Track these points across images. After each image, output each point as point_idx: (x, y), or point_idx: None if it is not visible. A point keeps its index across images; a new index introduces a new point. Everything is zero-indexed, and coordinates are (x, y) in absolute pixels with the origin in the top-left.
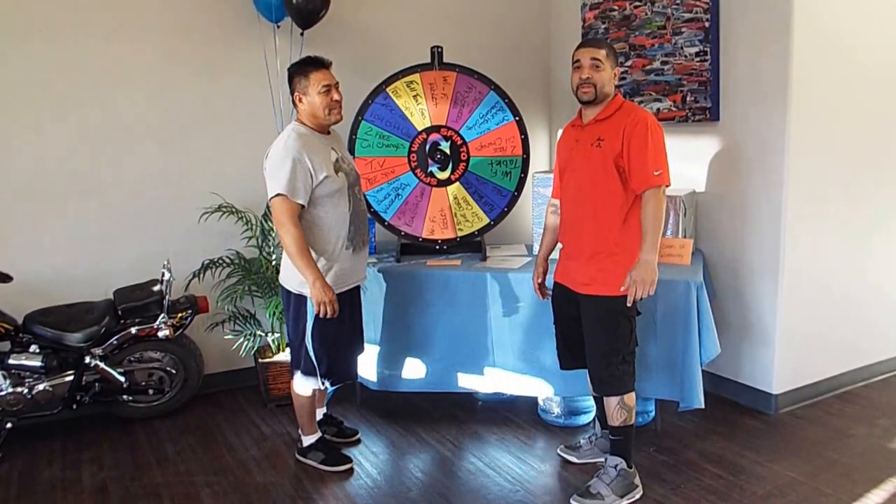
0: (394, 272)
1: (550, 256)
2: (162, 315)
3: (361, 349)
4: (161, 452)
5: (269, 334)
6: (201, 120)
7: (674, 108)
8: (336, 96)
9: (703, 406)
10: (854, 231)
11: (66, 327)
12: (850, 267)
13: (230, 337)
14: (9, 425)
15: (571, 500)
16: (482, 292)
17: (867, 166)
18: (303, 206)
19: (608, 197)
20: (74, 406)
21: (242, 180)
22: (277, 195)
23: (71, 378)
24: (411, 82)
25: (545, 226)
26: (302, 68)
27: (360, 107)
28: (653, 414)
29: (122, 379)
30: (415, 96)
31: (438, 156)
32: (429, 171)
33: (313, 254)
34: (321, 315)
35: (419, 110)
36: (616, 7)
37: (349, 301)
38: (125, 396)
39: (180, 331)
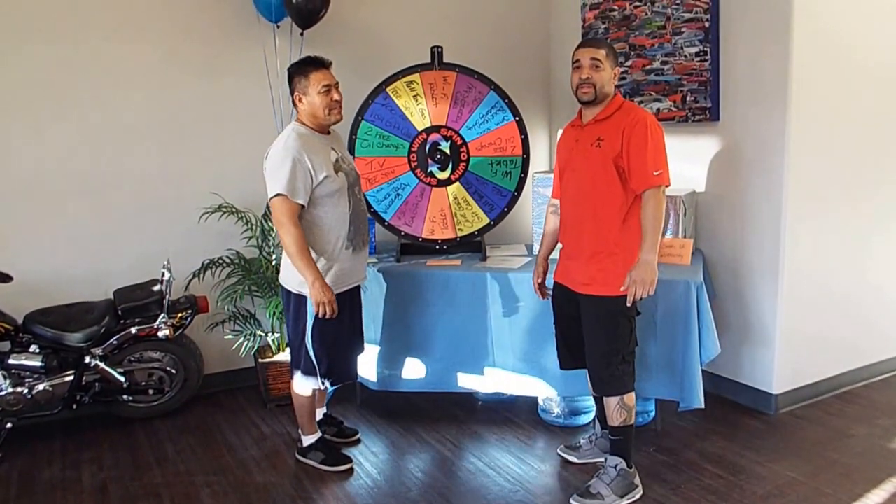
0: (394, 272)
1: (551, 256)
2: (162, 315)
3: (361, 349)
4: (161, 452)
5: (269, 334)
6: (201, 120)
7: (674, 108)
8: (336, 96)
9: (703, 406)
10: (854, 231)
11: (66, 327)
12: (850, 267)
13: (230, 337)
14: (9, 425)
15: (571, 500)
16: (482, 292)
17: (867, 166)
18: (303, 206)
19: (608, 197)
20: (74, 406)
21: (242, 180)
22: (277, 195)
23: (71, 378)
24: (411, 82)
25: (545, 226)
26: (302, 68)
27: (360, 107)
28: (653, 414)
29: (122, 379)
30: (415, 96)
31: (438, 156)
32: (429, 171)
33: (313, 254)
34: (320, 315)
35: (419, 110)
36: (616, 7)
37: (349, 301)
38: (125, 396)
39: (180, 331)
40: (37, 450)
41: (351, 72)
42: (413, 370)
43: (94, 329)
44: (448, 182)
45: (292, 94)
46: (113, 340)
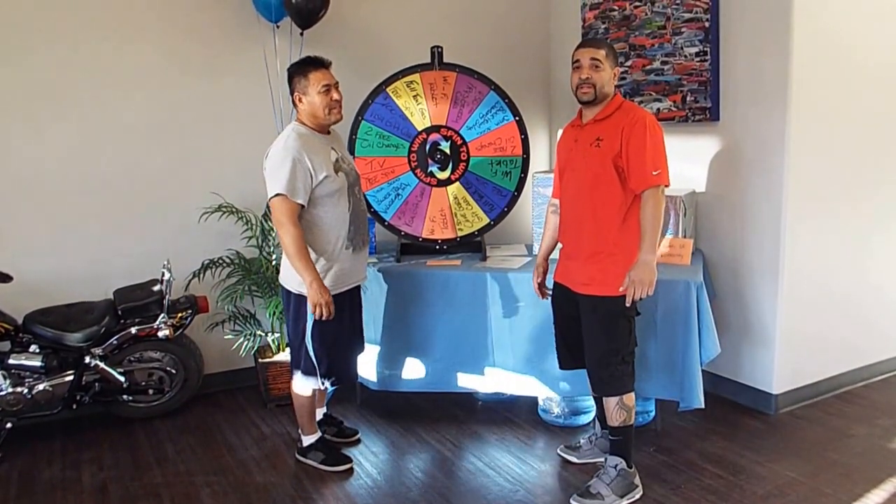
0: (394, 272)
1: (551, 256)
2: (162, 315)
3: (361, 349)
4: (161, 452)
5: (269, 334)
6: (201, 120)
7: (674, 108)
8: (336, 96)
9: (703, 406)
10: (854, 231)
11: (66, 327)
12: (850, 267)
13: (230, 337)
14: (9, 425)
15: (571, 500)
16: (482, 292)
17: (867, 166)
18: (302, 206)
19: (607, 197)
20: (74, 406)
21: (242, 180)
22: (277, 195)
23: (71, 378)
24: (411, 82)
25: (545, 225)
26: (301, 68)
27: (360, 107)
28: (653, 414)
29: (122, 379)
30: (415, 96)
31: (438, 156)
32: (429, 170)
33: (313, 254)
34: (317, 317)
35: (419, 110)
36: (616, 7)
37: (349, 301)
38: (125, 396)
39: (180, 331)
40: (37, 450)
41: (351, 72)
42: (413, 370)
43: (94, 329)
44: (448, 182)
45: (292, 94)
46: (113, 340)
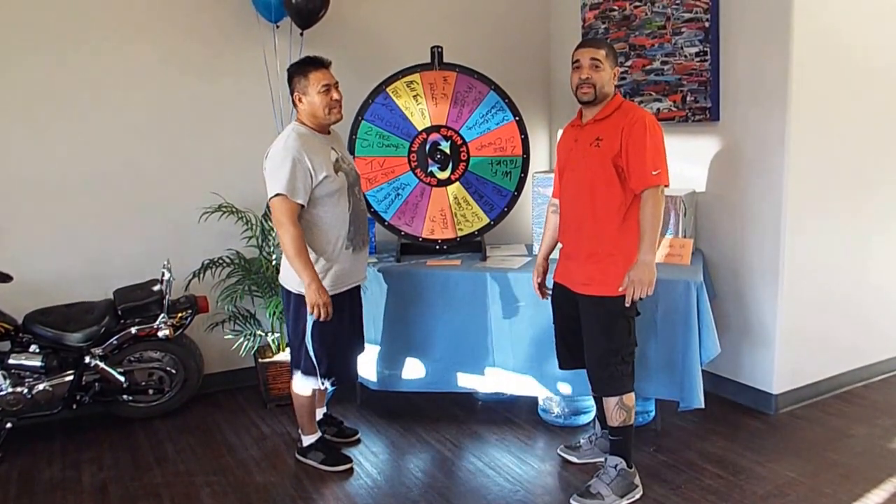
0: (394, 272)
1: (551, 256)
2: (162, 315)
3: (362, 349)
4: (161, 452)
5: (269, 334)
6: (201, 120)
7: (674, 108)
8: (336, 95)
9: (703, 406)
10: (854, 231)
11: (66, 327)
12: (850, 267)
13: (230, 337)
14: (9, 425)
15: (571, 500)
16: (482, 292)
17: (867, 166)
18: (302, 206)
19: (607, 197)
20: (74, 406)
21: (242, 180)
22: (277, 195)
23: (71, 378)
24: (411, 82)
25: (545, 225)
26: (301, 68)
27: (360, 107)
28: (653, 414)
29: (122, 379)
30: (415, 96)
31: (438, 156)
32: (429, 170)
33: (313, 254)
34: (316, 317)
35: (419, 110)
36: (616, 7)
37: (349, 301)
38: (125, 396)
39: (180, 331)
40: (37, 450)
41: (351, 72)
42: (413, 370)
43: (94, 329)
44: (448, 182)
45: (292, 94)
46: (113, 340)
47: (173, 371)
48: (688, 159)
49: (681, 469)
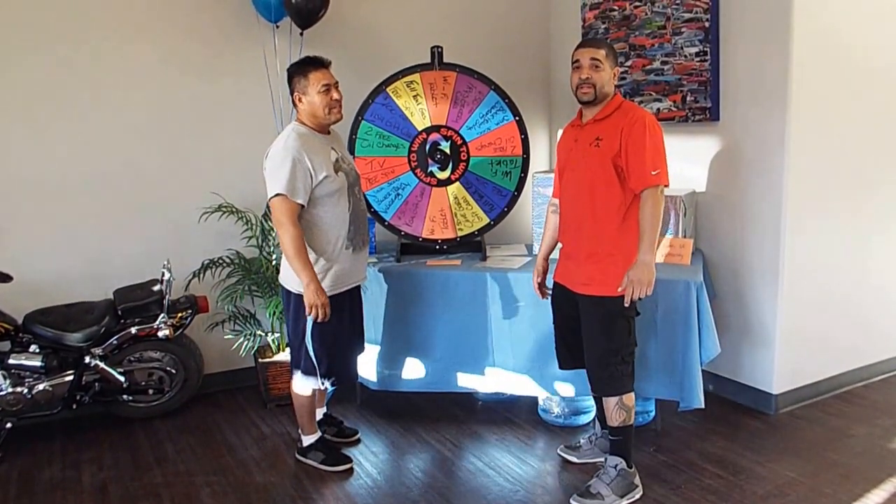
0: (394, 272)
1: (551, 256)
2: (162, 315)
3: (362, 349)
4: (161, 452)
5: (269, 334)
6: (201, 120)
7: (674, 108)
8: (336, 95)
9: (703, 406)
10: (854, 231)
11: (66, 327)
12: (850, 267)
13: (230, 337)
14: (9, 425)
15: (571, 500)
16: (482, 292)
17: (867, 166)
18: (302, 206)
19: (607, 197)
20: (74, 406)
21: (242, 180)
22: (277, 195)
23: (71, 378)
24: (411, 82)
25: (545, 225)
26: (301, 68)
27: (360, 107)
28: (653, 414)
29: (122, 379)
30: (415, 96)
31: (438, 156)
32: (429, 170)
33: (313, 254)
34: (313, 318)
35: (419, 110)
36: (616, 7)
37: (349, 301)
38: (125, 396)
39: (180, 331)
40: (37, 450)
41: (351, 72)
42: (413, 370)
43: (94, 329)
44: (448, 182)
45: (292, 93)
46: (113, 340)
47: (173, 371)
48: (688, 159)
49: (681, 469)
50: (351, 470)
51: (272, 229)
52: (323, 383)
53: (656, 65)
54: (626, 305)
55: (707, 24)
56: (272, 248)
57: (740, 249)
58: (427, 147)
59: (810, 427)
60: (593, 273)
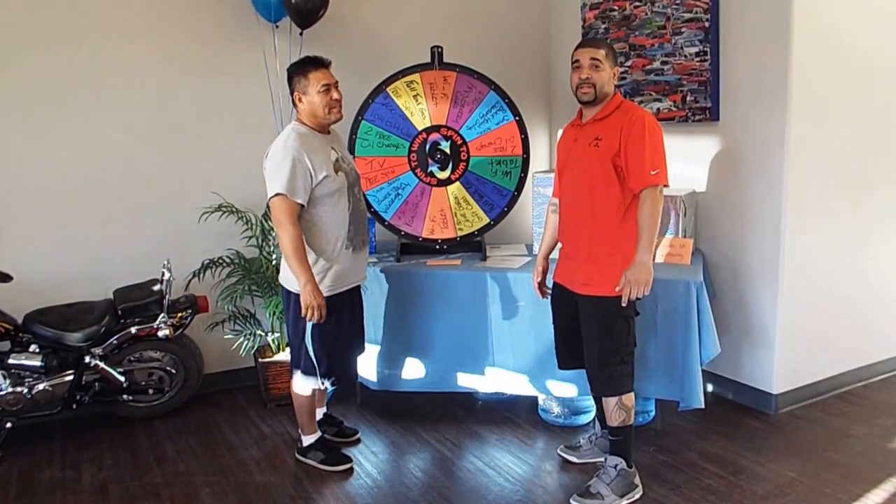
0: (394, 272)
1: (551, 256)
2: (162, 315)
3: (362, 349)
4: (161, 452)
5: (269, 334)
6: (201, 120)
7: (674, 108)
8: (336, 95)
9: (703, 406)
10: (854, 231)
11: (66, 327)
12: (850, 267)
13: (230, 337)
14: (9, 425)
15: (571, 500)
16: (482, 292)
17: (867, 166)
18: (302, 206)
19: (606, 196)
20: (74, 406)
21: (242, 180)
22: (277, 195)
23: (71, 378)
24: (411, 82)
25: (546, 225)
26: (301, 68)
27: (360, 106)
28: (653, 414)
29: (122, 379)
30: (415, 96)
31: (438, 155)
32: (429, 170)
33: (313, 254)
34: (308, 319)
35: (419, 110)
36: (616, 7)
37: (349, 301)
38: (125, 396)
39: (180, 330)
40: (37, 450)
41: (351, 72)
42: (413, 370)
43: (93, 329)
44: (448, 182)
45: (292, 93)
46: (113, 340)
47: (173, 371)
48: (688, 159)
49: (681, 469)
50: (351, 470)
51: (272, 229)
52: (323, 383)
53: (656, 65)
54: (624, 305)
55: (707, 24)
56: (272, 248)
57: (740, 249)
58: (427, 147)
59: (810, 427)
60: (593, 273)
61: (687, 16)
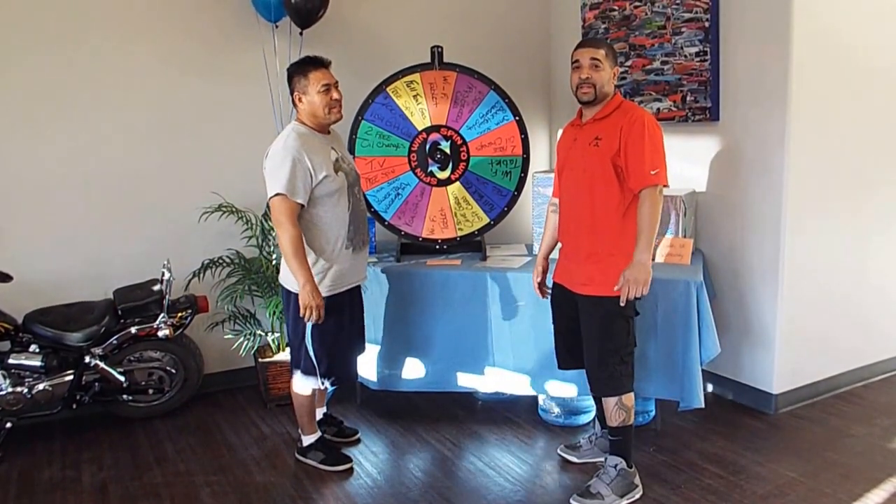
0: (394, 272)
1: (551, 256)
2: (162, 315)
3: (362, 349)
4: (161, 452)
5: (269, 334)
6: (201, 120)
7: (674, 108)
8: (336, 95)
9: (703, 406)
10: (854, 231)
11: (66, 327)
12: (850, 267)
13: (230, 336)
14: (9, 425)
15: (571, 500)
16: (482, 292)
17: (867, 166)
18: (302, 206)
19: (606, 196)
20: (74, 406)
21: (242, 180)
22: (277, 194)
23: (71, 378)
24: (411, 82)
25: (546, 225)
26: (301, 68)
27: (360, 106)
28: (653, 414)
29: (122, 378)
30: (415, 96)
31: (438, 155)
32: (429, 170)
33: (313, 254)
34: (306, 319)
35: (419, 110)
36: (616, 7)
37: (349, 301)
38: (125, 396)
39: (180, 330)
40: (37, 450)
41: (351, 72)
42: (413, 370)
43: (93, 329)
44: (448, 182)
45: (292, 93)
46: (113, 340)
47: (173, 371)
48: (688, 159)
49: (681, 469)
50: (351, 470)
51: (272, 229)
52: (323, 383)
53: (656, 65)
54: (622, 305)
55: (707, 24)
56: (272, 248)
57: (740, 249)
58: (427, 147)
59: (810, 427)
60: (593, 273)
61: (687, 16)
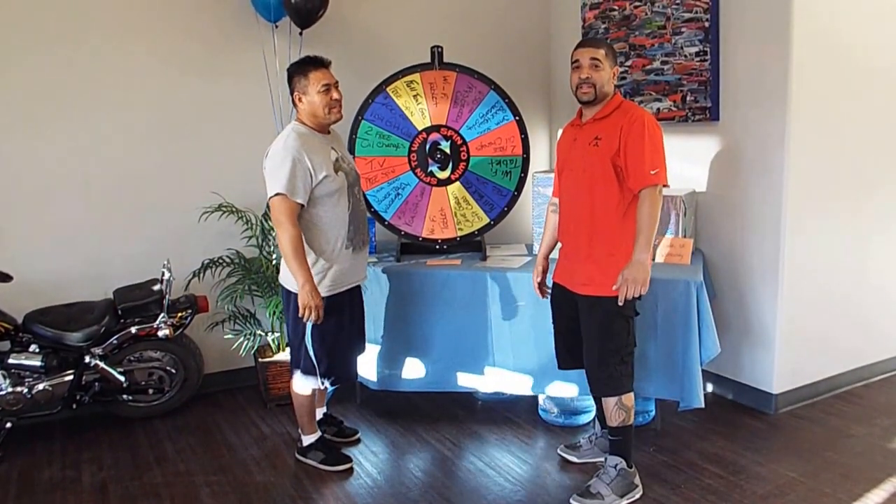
0: (394, 272)
1: (551, 255)
2: (162, 314)
3: (362, 349)
4: (161, 452)
5: (269, 334)
6: (201, 120)
7: (674, 108)
8: (336, 95)
9: (703, 406)
10: (854, 231)
11: (66, 327)
12: (850, 267)
13: (230, 336)
14: (9, 425)
15: (571, 500)
16: (482, 292)
17: (867, 166)
18: (302, 206)
19: (606, 196)
20: (74, 406)
21: (242, 180)
22: (277, 194)
23: (71, 377)
24: (411, 82)
25: (546, 224)
26: (301, 67)
27: (360, 106)
28: (653, 414)
29: (122, 378)
30: (415, 96)
31: (438, 155)
32: (429, 170)
33: (313, 254)
34: (305, 320)
35: (419, 110)
36: (616, 7)
37: (349, 301)
38: (125, 396)
39: (180, 330)
40: (37, 450)
41: (351, 72)
42: (413, 370)
43: (93, 329)
44: (448, 182)
45: (292, 93)
46: (113, 340)
47: (173, 371)
48: (688, 159)
49: (681, 469)
50: (351, 470)
51: (272, 229)
52: (323, 383)
53: (656, 65)
54: (621, 304)
55: (707, 24)
56: (272, 248)
57: (740, 249)
58: (427, 147)
59: (810, 427)
60: (593, 273)
61: (687, 16)
